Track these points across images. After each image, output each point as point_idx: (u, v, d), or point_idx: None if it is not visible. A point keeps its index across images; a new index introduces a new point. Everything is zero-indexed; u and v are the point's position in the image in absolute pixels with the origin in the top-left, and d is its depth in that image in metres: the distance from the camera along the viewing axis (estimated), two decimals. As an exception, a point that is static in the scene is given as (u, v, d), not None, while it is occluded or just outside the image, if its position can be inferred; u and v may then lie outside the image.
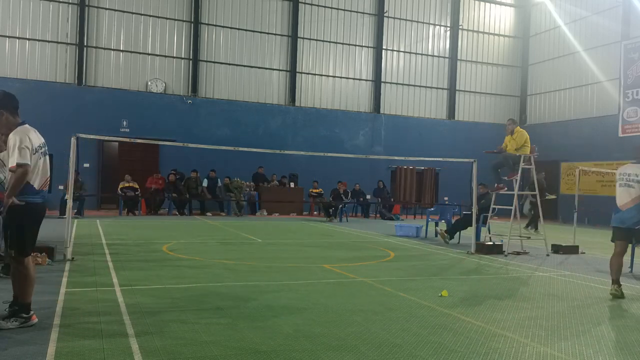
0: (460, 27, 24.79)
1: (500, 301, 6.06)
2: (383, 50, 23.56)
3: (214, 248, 10.12)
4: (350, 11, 23.14)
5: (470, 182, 10.91)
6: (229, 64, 21.42)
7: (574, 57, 23.14)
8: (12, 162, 4.30)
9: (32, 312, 4.46)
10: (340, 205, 19.03)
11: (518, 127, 10.97)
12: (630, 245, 8.89)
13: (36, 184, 4.50)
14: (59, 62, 19.21)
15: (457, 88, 24.93)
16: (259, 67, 21.82)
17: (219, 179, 19.39)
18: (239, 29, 21.54)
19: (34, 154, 4.42)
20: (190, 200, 18.86)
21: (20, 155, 4.29)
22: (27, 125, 4.54)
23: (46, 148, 4.70)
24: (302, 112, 22.31)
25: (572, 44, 23.13)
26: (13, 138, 4.36)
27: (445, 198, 22.87)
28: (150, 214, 18.04)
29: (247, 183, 19.99)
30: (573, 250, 11.06)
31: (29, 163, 4.33)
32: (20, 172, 4.28)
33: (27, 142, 4.35)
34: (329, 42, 22.84)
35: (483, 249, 10.37)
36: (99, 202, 19.53)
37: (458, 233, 12.21)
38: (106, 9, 19.76)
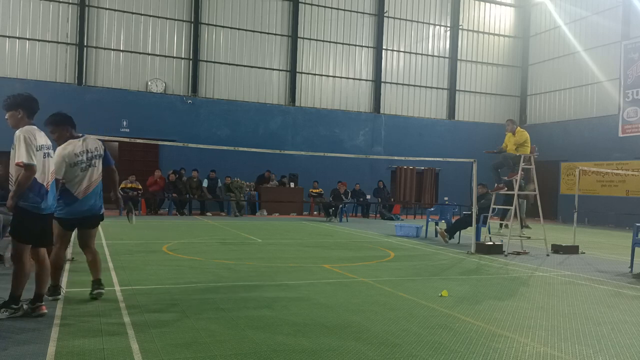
0: (460, 27, 24.80)
1: (500, 301, 6.06)
2: (383, 50, 23.56)
3: (214, 248, 10.12)
4: (350, 11, 23.14)
5: (470, 182, 10.91)
6: (229, 64, 21.42)
7: (574, 57, 23.15)
8: (19, 159, 4.46)
9: (21, 303, 4.66)
10: (340, 205, 19.03)
11: (519, 127, 11.01)
12: (630, 245, 8.92)
13: (42, 182, 4.71)
14: (59, 62, 19.21)
15: (457, 88, 24.93)
16: (259, 67, 21.82)
17: (219, 179, 19.41)
18: (239, 29, 21.54)
19: (38, 151, 4.60)
20: (190, 200, 18.87)
21: (28, 155, 4.46)
22: (34, 126, 4.74)
23: (50, 150, 4.90)
24: (302, 112, 22.31)
25: (572, 44, 23.14)
26: (19, 135, 4.55)
27: (445, 198, 22.86)
28: (150, 214, 18.04)
29: (248, 183, 20.00)
30: (573, 250, 11.06)
31: (35, 164, 4.51)
32: (27, 173, 4.46)
33: (32, 140, 4.55)
34: (329, 42, 22.84)
35: (483, 249, 10.37)
36: (99, 202, 19.50)
37: (458, 233, 12.21)
38: (106, 9, 19.76)
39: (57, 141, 5.37)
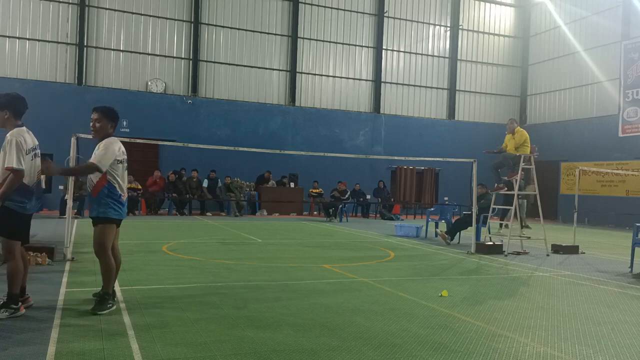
0: (460, 27, 24.79)
1: (500, 301, 6.06)
2: (383, 50, 23.56)
3: (214, 248, 10.12)
4: (350, 11, 23.14)
5: (470, 182, 10.92)
6: (229, 64, 21.42)
7: (574, 57, 23.15)
8: (9, 163, 4.55)
9: (20, 304, 4.70)
10: (340, 205, 19.03)
11: (518, 127, 11.01)
12: (630, 245, 8.93)
13: (28, 183, 4.77)
14: (59, 62, 19.21)
15: (457, 88, 24.93)
16: (259, 67, 21.82)
17: (219, 179, 19.41)
18: (239, 29, 21.54)
19: (27, 154, 4.69)
20: (190, 200, 18.87)
21: (18, 160, 4.56)
22: (23, 127, 4.83)
23: (39, 150, 4.96)
24: (302, 112, 22.31)
25: (572, 44, 23.14)
26: (11, 139, 4.64)
27: (446, 198, 22.87)
28: (150, 214, 18.04)
29: (248, 183, 19.99)
30: (573, 250, 11.07)
31: (24, 168, 4.61)
32: (15, 178, 4.55)
33: (23, 144, 4.65)
34: (329, 42, 22.84)
35: (483, 249, 10.37)
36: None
37: (458, 233, 12.21)
38: (106, 9, 19.76)
39: (97, 132, 5.17)
